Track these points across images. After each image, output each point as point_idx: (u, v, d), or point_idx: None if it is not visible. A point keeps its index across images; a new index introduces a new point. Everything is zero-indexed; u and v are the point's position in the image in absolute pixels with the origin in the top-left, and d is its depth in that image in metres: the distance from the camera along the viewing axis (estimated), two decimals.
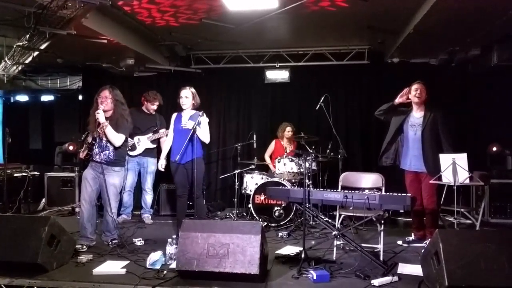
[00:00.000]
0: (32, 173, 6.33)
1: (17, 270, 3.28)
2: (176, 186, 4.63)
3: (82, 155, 4.22)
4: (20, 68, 5.79)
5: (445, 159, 3.96)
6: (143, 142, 5.56)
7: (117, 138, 4.10)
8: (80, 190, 4.28)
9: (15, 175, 6.07)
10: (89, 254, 3.80)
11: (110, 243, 4.23)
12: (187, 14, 4.82)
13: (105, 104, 4.10)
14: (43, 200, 6.48)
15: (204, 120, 4.51)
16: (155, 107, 5.66)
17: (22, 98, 8.09)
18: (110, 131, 4.06)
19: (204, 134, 4.50)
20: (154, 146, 5.66)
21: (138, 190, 5.83)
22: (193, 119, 4.48)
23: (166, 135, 5.27)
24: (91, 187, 4.15)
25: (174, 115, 4.73)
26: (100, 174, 4.12)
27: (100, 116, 4.04)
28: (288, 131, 6.05)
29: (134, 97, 6.51)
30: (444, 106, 5.61)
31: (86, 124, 4.33)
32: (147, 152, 5.59)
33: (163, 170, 4.75)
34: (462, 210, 5.30)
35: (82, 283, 3.17)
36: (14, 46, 4.93)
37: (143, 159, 5.59)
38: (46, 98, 8.04)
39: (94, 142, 4.15)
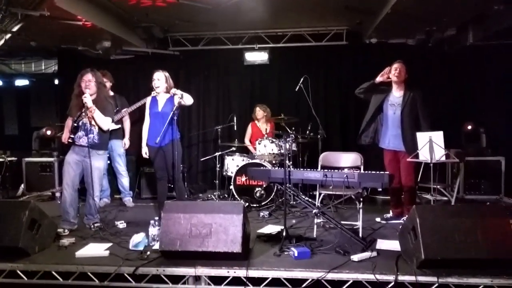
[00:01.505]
0: (9, 158, 6.21)
1: None
2: (155, 170, 4.62)
3: (65, 139, 4.16)
4: None
5: (422, 137, 4.05)
6: None
7: (105, 122, 4.12)
8: (62, 174, 4.25)
9: None
10: (71, 238, 3.78)
11: (92, 226, 4.22)
12: None
13: (90, 87, 4.06)
14: (22, 185, 6.37)
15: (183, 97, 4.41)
16: (108, 86, 5.46)
17: None
18: (98, 115, 4.06)
19: (188, 98, 4.43)
20: (119, 126, 5.57)
21: (113, 175, 5.77)
22: (170, 103, 4.45)
23: (128, 113, 5.48)
24: (74, 171, 4.13)
25: (149, 99, 4.63)
26: (85, 158, 4.10)
27: (88, 100, 4.00)
28: (257, 111, 6.08)
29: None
30: (421, 86, 5.77)
31: (68, 108, 4.24)
32: (113, 135, 5.43)
33: (147, 157, 4.70)
34: (438, 187, 5.45)
35: (65, 265, 3.17)
36: None
37: (110, 143, 5.47)
38: (20, 82, 7.82)
39: (76, 126, 4.10)
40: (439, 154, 3.95)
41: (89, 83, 4.07)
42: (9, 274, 3.19)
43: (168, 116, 4.34)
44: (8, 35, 4.86)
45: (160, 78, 4.48)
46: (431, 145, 3.96)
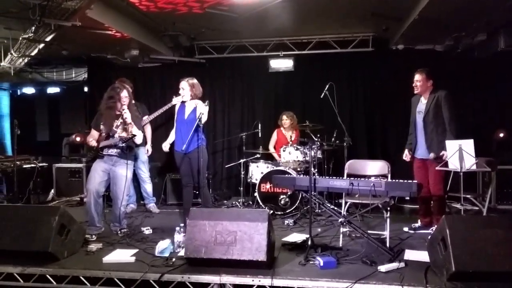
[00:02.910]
0: (40, 164, 6.40)
1: (28, 259, 3.35)
2: (182, 176, 4.68)
3: (94, 144, 4.24)
4: (26, 60, 5.84)
5: (452, 145, 3.95)
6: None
7: (140, 136, 4.23)
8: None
9: (24, 166, 6.15)
10: (99, 243, 3.86)
11: (119, 231, 4.29)
12: (191, 4, 4.81)
13: (126, 103, 4.21)
14: (52, 190, 6.57)
15: (205, 110, 4.48)
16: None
17: (29, 90, 8.16)
18: (136, 130, 4.18)
19: (204, 118, 4.50)
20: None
21: (137, 181, 5.85)
22: (195, 111, 4.53)
23: (149, 121, 5.59)
24: (101, 178, 4.21)
25: (177, 105, 4.75)
26: (112, 167, 4.20)
27: (128, 115, 4.14)
28: (284, 119, 6.06)
29: (139, 88, 6.55)
30: (450, 92, 5.63)
31: (98, 120, 4.30)
32: None
33: (167, 150, 4.78)
34: (468, 196, 5.29)
35: (92, 271, 3.22)
36: (20, 38, 4.96)
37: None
38: (52, 90, 8.09)
39: (109, 136, 4.21)
40: (470, 162, 3.84)
41: (126, 100, 4.20)
42: (39, 278, 3.26)
43: (193, 123, 4.39)
44: (42, 45, 5.06)
45: (184, 87, 4.57)
46: (461, 154, 3.85)
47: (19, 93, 8.44)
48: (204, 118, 4.44)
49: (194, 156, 4.46)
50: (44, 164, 6.55)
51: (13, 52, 5.40)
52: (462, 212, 4.40)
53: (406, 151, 4.59)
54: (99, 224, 4.25)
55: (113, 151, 4.20)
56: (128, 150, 4.26)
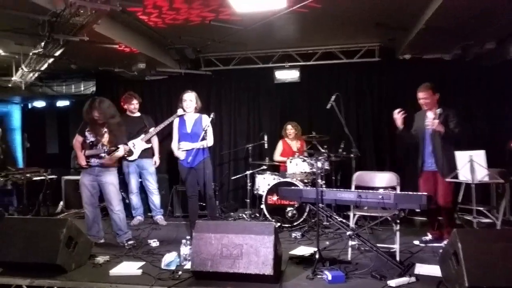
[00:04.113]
0: (50, 176, 6.44)
1: (37, 271, 3.37)
2: (187, 187, 4.68)
3: (82, 162, 4.31)
4: (36, 75, 5.93)
5: (462, 157, 3.88)
6: (138, 144, 5.59)
7: (121, 150, 4.32)
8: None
9: (34, 179, 6.19)
10: (106, 256, 3.85)
11: (126, 244, 4.30)
12: (196, 16, 4.86)
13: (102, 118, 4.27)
14: (61, 202, 6.60)
15: (209, 127, 4.57)
16: (134, 105, 5.64)
17: (39, 104, 8.25)
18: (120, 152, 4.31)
19: (210, 139, 4.61)
20: (150, 145, 5.70)
21: (144, 194, 5.87)
22: (199, 123, 4.59)
23: (156, 132, 5.64)
24: (90, 191, 4.32)
25: (176, 120, 4.75)
26: (97, 177, 4.29)
27: (119, 153, 4.28)
28: (288, 129, 6.05)
29: (146, 101, 6.59)
30: (459, 102, 5.56)
31: (83, 127, 4.41)
32: (143, 154, 5.61)
33: (186, 149, 4.65)
34: (481, 209, 5.18)
35: (99, 283, 3.22)
36: (30, 54, 5.05)
37: (141, 162, 5.61)
38: (61, 103, 8.17)
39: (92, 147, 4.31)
40: (481, 174, 3.77)
41: (100, 115, 4.24)
42: None
43: (197, 136, 4.45)
44: (51, 59, 5.14)
45: (192, 99, 4.60)
46: (472, 165, 3.79)
47: (30, 107, 8.54)
48: (210, 131, 4.49)
49: (200, 169, 4.50)
50: (53, 176, 6.59)
51: (24, 67, 5.49)
52: (475, 225, 4.30)
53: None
54: (97, 234, 4.40)
55: (95, 161, 4.27)
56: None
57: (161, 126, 5.62)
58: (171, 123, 5.50)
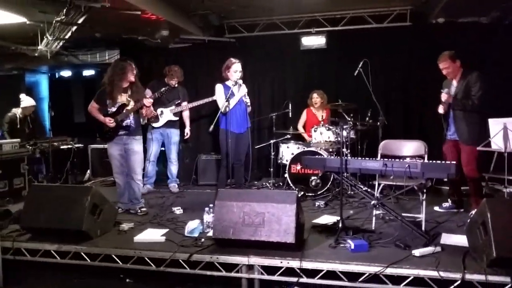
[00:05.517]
0: (77, 145, 6.59)
1: (64, 237, 3.47)
2: (231, 155, 4.68)
3: (111, 124, 4.29)
4: (61, 43, 5.95)
5: (495, 124, 3.70)
6: (166, 114, 5.60)
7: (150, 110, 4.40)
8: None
9: (62, 147, 6.35)
10: (131, 223, 3.93)
11: (139, 211, 4.37)
12: None
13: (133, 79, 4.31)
14: (88, 171, 6.78)
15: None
16: (173, 82, 5.60)
17: (66, 73, 8.35)
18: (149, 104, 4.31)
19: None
20: (177, 118, 5.70)
21: (163, 161, 5.93)
22: (241, 92, 4.78)
23: (188, 109, 5.68)
24: (119, 161, 4.35)
25: (221, 86, 4.79)
26: (124, 145, 4.31)
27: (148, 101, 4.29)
28: (315, 97, 5.91)
29: None
30: (496, 69, 5.26)
31: (102, 95, 4.40)
32: (170, 124, 5.63)
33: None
34: None
35: (124, 250, 3.30)
36: (54, 21, 5.05)
37: (166, 130, 5.63)
38: (87, 72, 8.24)
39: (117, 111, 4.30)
40: None
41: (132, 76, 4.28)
42: (74, 255, 3.38)
43: (243, 104, 4.71)
44: (74, 27, 5.13)
45: (241, 70, 4.75)
46: (506, 133, 3.60)
47: (56, 76, 8.68)
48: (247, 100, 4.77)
49: (245, 136, 4.78)
50: (80, 145, 6.74)
51: (48, 35, 5.52)
52: (506, 195, 4.15)
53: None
54: (127, 201, 4.45)
55: (122, 131, 4.29)
56: (136, 125, 4.36)
57: (194, 104, 5.65)
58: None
